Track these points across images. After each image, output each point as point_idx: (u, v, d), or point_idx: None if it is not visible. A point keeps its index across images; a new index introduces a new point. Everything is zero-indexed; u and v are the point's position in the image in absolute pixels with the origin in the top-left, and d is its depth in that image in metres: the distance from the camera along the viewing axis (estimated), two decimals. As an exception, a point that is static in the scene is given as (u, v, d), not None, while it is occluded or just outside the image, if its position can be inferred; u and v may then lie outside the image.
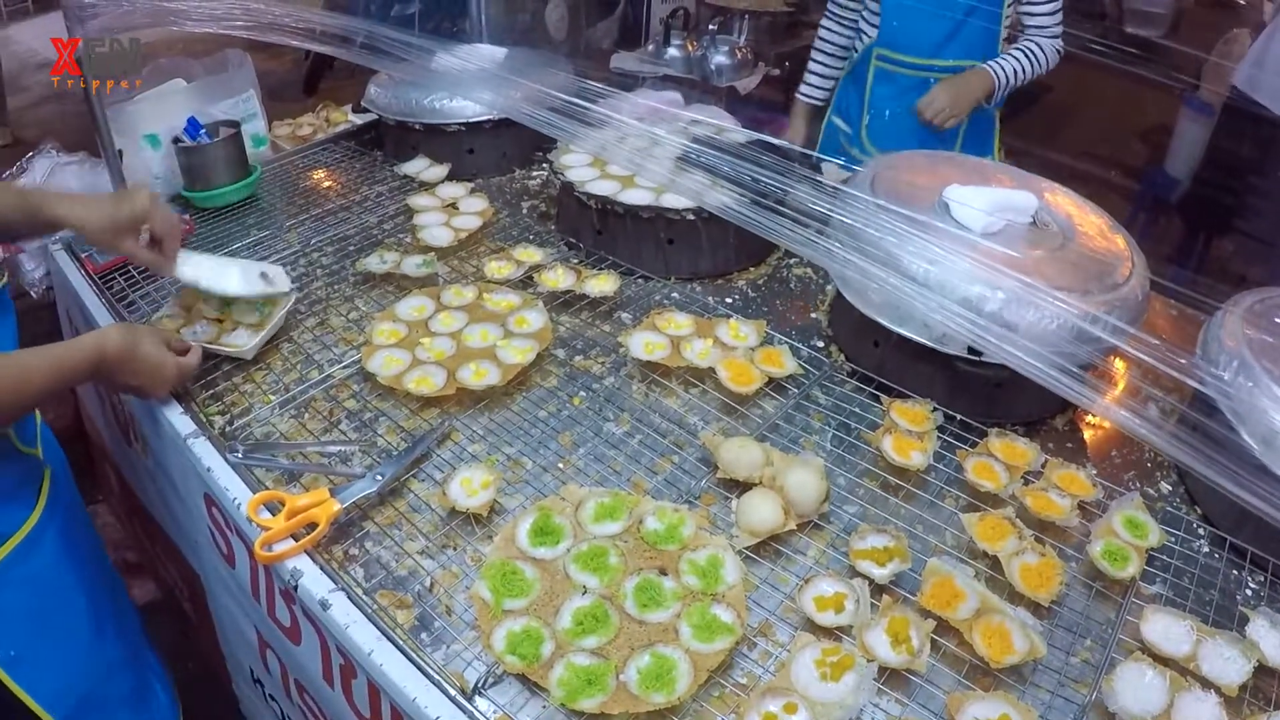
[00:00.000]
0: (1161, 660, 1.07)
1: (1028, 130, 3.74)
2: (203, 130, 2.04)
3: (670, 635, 1.07)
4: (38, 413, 1.48)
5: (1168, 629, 1.11)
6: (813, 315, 1.76)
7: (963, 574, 1.15)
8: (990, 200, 1.48)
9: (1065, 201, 1.60)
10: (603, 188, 1.83)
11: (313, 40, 1.58)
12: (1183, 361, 1.14)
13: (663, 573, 1.15)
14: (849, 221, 1.34)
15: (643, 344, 1.54)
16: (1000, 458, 1.35)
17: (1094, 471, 1.36)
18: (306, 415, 1.47)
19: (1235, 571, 1.25)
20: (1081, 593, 1.19)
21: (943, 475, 1.36)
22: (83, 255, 1.88)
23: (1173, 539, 1.26)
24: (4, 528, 1.34)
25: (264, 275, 1.62)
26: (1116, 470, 1.42)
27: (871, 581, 1.14)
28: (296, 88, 4.29)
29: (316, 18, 1.61)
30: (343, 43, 1.61)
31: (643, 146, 1.62)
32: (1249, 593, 1.22)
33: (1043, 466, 1.36)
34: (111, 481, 2.30)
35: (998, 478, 1.31)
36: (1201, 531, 1.31)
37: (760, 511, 1.21)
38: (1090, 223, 1.54)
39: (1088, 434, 1.50)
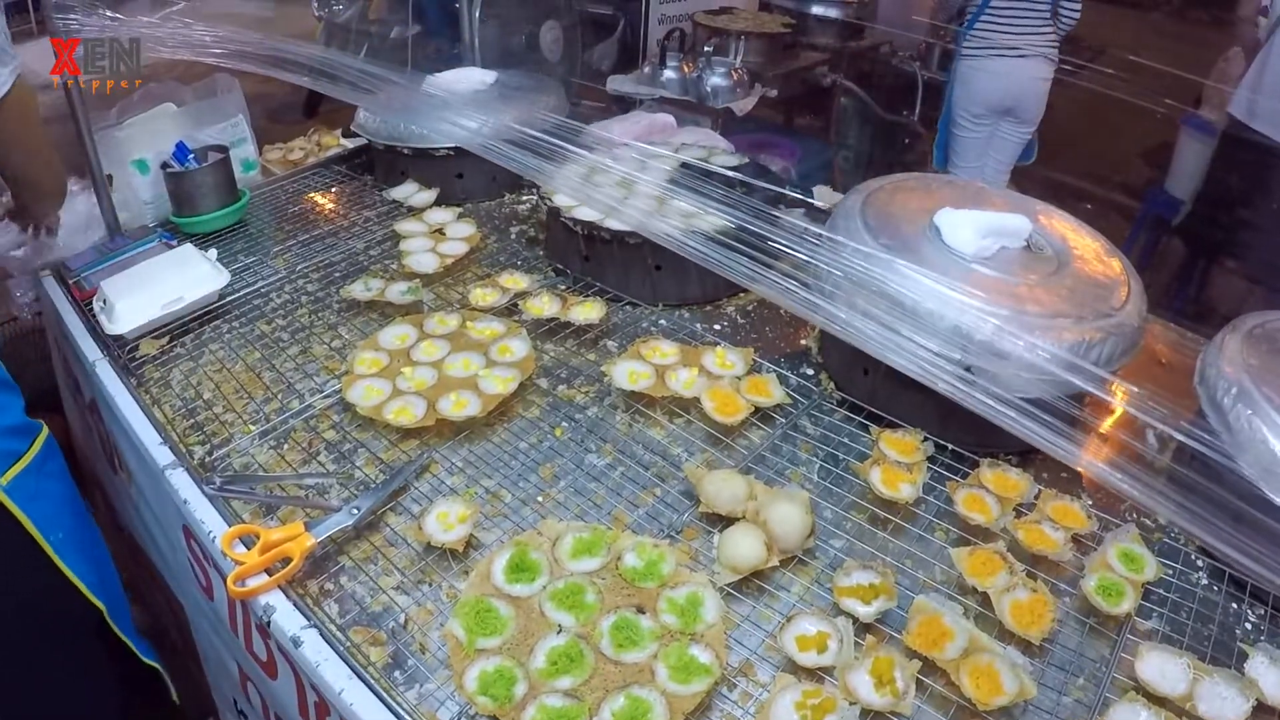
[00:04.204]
0: (1157, 700, 1.03)
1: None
2: (191, 155, 2.03)
3: (646, 676, 1.04)
4: None
5: (1164, 667, 1.07)
6: (803, 342, 1.73)
7: (951, 611, 1.11)
8: (982, 224, 1.45)
9: (1060, 225, 1.57)
10: (590, 213, 1.81)
11: (283, 70, 1.58)
12: (1165, 411, 1.10)
13: (640, 611, 1.12)
14: (827, 268, 1.32)
15: (627, 373, 1.51)
16: (992, 489, 1.31)
17: (1089, 502, 1.32)
18: (286, 446, 1.45)
19: (1234, 605, 1.21)
20: (1075, 629, 1.16)
21: (932, 508, 1.33)
22: (70, 282, 1.88)
23: (1170, 572, 1.23)
24: (32, 424, 1.53)
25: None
26: (1112, 500, 1.38)
27: (856, 620, 1.11)
28: (297, 110, 4.28)
29: (292, 48, 1.61)
30: (315, 74, 1.61)
31: (621, 180, 1.62)
32: (1248, 627, 1.18)
33: (1036, 498, 1.32)
34: (101, 507, 2.28)
35: (989, 510, 1.28)
36: (1200, 564, 1.27)
37: (742, 547, 1.18)
38: (1086, 246, 1.51)
39: (1083, 463, 1.47)
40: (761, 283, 1.31)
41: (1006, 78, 3.63)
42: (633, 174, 1.66)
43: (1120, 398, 1.23)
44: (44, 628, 1.53)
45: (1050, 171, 3.77)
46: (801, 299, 1.30)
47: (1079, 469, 1.13)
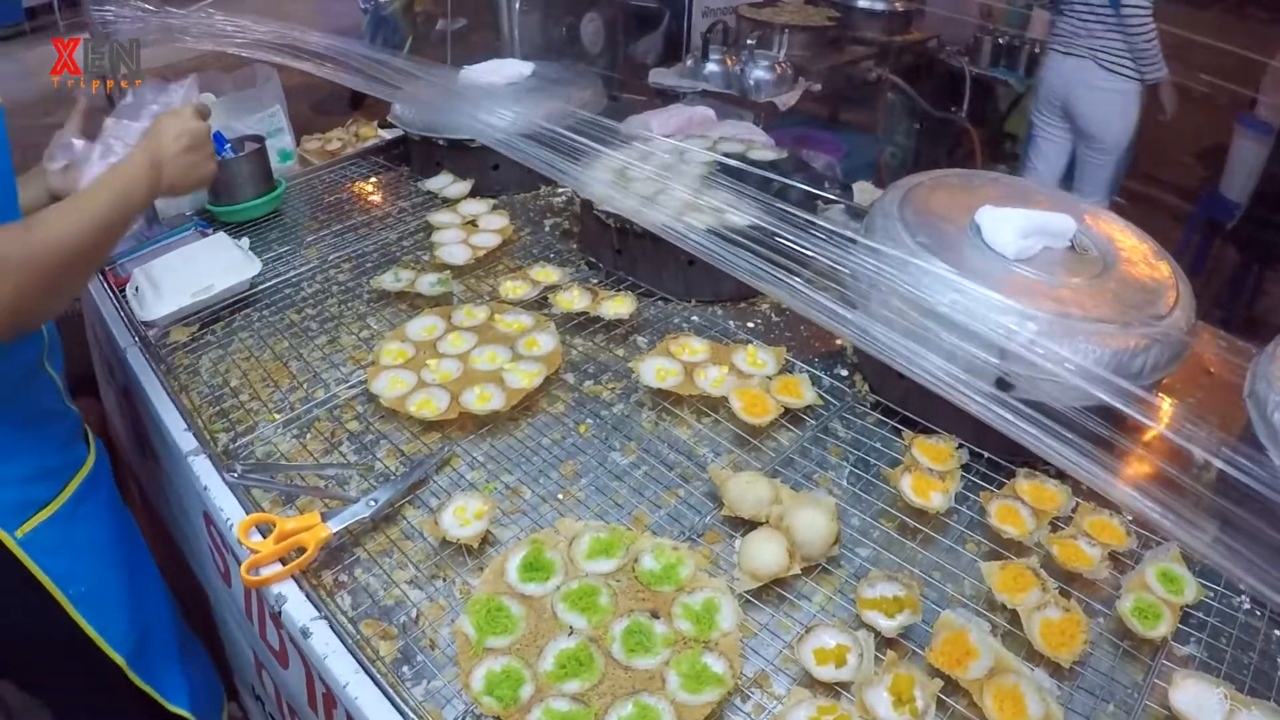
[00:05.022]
0: (1192, 731, 0.98)
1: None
2: (228, 145, 2.04)
3: (656, 683, 1.01)
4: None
5: (1199, 697, 1.01)
6: (837, 342, 1.68)
7: (978, 629, 1.06)
8: (1025, 223, 1.40)
9: (1107, 225, 1.51)
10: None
11: (310, 62, 1.57)
12: (1209, 431, 1.04)
13: (654, 615, 1.09)
14: (854, 272, 1.27)
15: (655, 370, 1.48)
16: (1027, 501, 1.26)
17: (1128, 518, 1.26)
18: (309, 435, 1.45)
19: (1277, 632, 1.15)
20: (1107, 652, 1.10)
21: (964, 519, 1.28)
22: (106, 268, 1.89)
23: (1210, 595, 1.16)
24: (70, 462, 1.41)
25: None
26: (1154, 517, 1.33)
27: (878, 634, 1.07)
28: (342, 101, 4.30)
29: (316, 39, 1.60)
30: (349, 69, 1.60)
31: (650, 177, 1.58)
32: (1292, 656, 1.12)
33: (1073, 511, 1.26)
34: (133, 491, 2.31)
35: (1023, 523, 1.23)
36: (1243, 586, 1.20)
37: (764, 553, 1.14)
38: (1133, 248, 1.45)
39: (1125, 475, 1.41)
40: (782, 288, 1.27)
41: (1052, 71, 3.57)
42: (660, 173, 1.62)
43: (1163, 415, 1.18)
44: (62, 679, 1.48)
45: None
46: (822, 305, 1.25)
47: (1111, 497, 1.07)
